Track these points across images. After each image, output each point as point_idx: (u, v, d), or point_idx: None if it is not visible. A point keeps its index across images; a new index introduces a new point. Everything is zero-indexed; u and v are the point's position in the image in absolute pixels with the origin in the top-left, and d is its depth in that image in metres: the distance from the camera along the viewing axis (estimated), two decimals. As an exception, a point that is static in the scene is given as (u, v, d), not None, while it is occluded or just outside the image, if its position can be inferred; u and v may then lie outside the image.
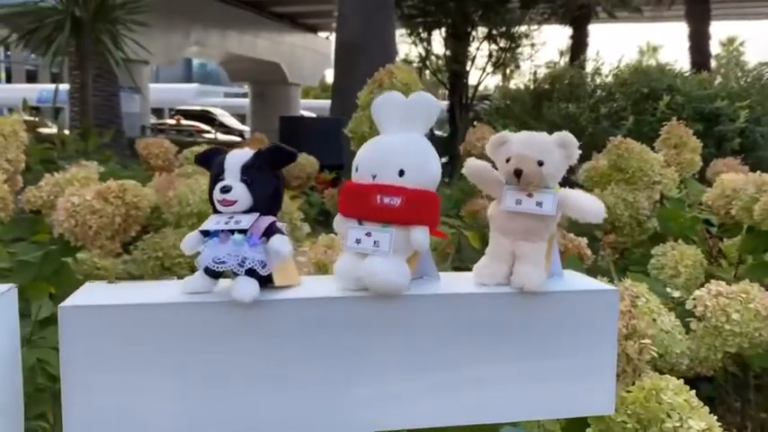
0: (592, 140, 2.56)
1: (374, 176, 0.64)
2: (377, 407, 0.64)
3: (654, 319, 1.33)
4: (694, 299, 1.47)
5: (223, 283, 0.64)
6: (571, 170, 2.47)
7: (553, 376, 0.67)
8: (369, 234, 0.62)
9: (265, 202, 0.63)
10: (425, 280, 0.69)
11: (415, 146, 0.65)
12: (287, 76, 14.72)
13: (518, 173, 0.66)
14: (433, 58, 10.08)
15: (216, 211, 0.63)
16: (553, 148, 0.68)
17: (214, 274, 0.63)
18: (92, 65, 5.63)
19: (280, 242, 0.61)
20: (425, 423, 0.67)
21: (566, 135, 0.68)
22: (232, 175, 0.62)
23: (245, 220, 0.61)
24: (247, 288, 0.60)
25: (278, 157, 0.64)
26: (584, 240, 1.88)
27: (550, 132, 0.71)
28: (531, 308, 0.66)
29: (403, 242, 0.63)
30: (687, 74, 3.95)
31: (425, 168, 0.65)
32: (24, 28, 5.33)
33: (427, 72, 10.98)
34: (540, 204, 0.66)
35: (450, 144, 7.34)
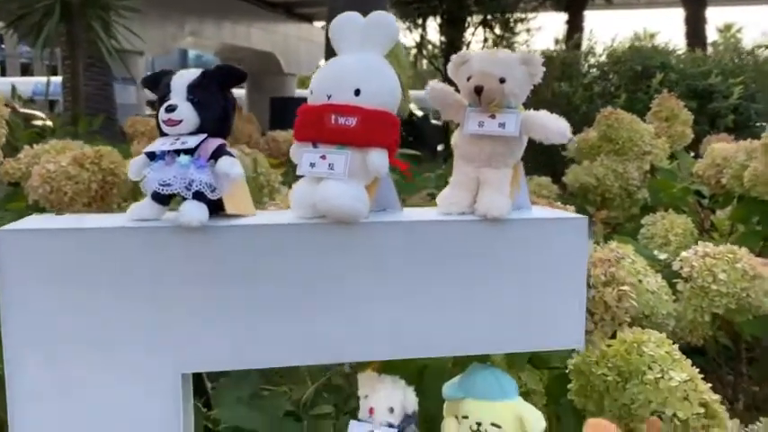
0: (585, 119, 2.53)
1: (329, 97, 0.61)
2: (334, 338, 0.62)
3: (640, 280, 1.30)
4: (681, 260, 1.44)
5: (171, 215, 0.61)
6: (562, 146, 2.44)
7: (521, 308, 0.64)
8: (323, 157, 0.59)
9: (213, 123, 0.60)
10: (388, 212, 0.67)
11: (372, 65, 0.62)
12: (282, 66, 14.63)
13: (479, 90, 0.63)
14: (428, 45, 10.03)
15: (162, 135, 0.61)
16: (516, 65, 0.64)
17: (162, 200, 0.60)
18: (83, 52, 5.57)
19: (228, 164, 0.59)
20: (388, 355, 0.64)
21: (529, 53, 0.64)
22: (178, 95, 0.60)
23: (192, 141, 0.58)
24: (195, 212, 0.57)
25: (226, 76, 0.61)
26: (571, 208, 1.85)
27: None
28: (497, 236, 0.63)
29: (360, 166, 0.60)
30: (680, 52, 3.92)
31: (383, 88, 0.62)
32: (13, 14, 5.28)
33: (424, 61, 10.93)
34: (502, 125, 0.63)
35: (446, 131, 7.31)
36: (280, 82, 14.76)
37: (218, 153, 0.59)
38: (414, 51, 9.85)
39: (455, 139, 0.67)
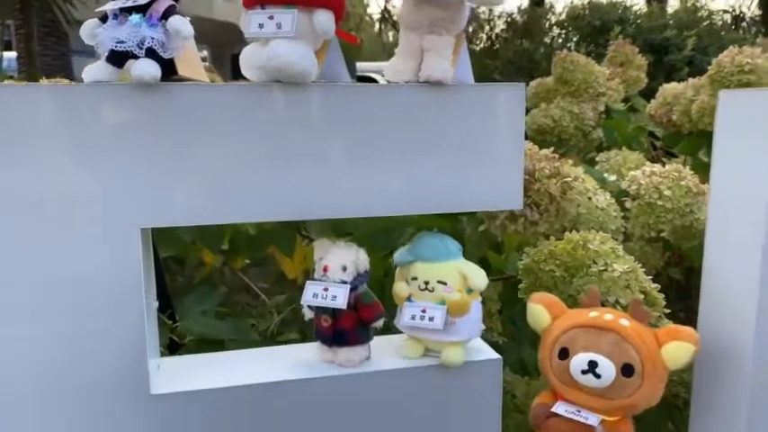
0: (546, 75, 2.58)
1: (276, -40, 0.63)
2: (285, 195, 0.65)
3: (589, 198, 1.36)
4: (629, 179, 1.51)
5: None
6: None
7: (464, 170, 0.68)
8: (271, 17, 0.62)
9: (163, -17, 0.62)
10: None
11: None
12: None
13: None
14: (393, 12, 9.98)
15: (112, -1, 0.62)
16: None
17: (116, 61, 0.62)
18: (36, 13, 5.43)
19: (180, 21, 0.61)
20: (338, 214, 0.68)
21: None
22: (128, -45, 0.61)
23: (143, -1, 0.60)
24: (148, 67, 0.60)
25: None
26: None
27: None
28: (440, 101, 0.67)
29: (307, 29, 0.63)
30: (638, 7, 4.01)
31: (328, -49, 0.64)
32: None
33: (390, 34, 10.86)
34: (439, -13, 0.65)
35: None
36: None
37: (168, 12, 0.61)
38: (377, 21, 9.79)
39: (400, 9, 0.70)
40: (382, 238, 1.01)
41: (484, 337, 1.21)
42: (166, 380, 0.69)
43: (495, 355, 0.76)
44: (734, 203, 0.83)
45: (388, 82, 0.69)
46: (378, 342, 0.76)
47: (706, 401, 0.90)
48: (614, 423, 0.75)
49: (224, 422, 0.67)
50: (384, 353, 0.75)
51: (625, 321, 0.77)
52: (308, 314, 0.74)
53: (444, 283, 0.72)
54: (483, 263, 1.33)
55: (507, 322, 1.26)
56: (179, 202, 0.63)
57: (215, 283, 1.59)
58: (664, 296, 1.09)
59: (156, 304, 0.73)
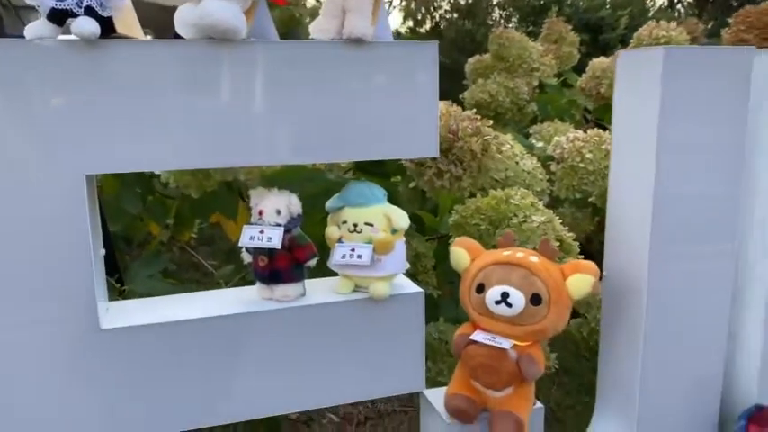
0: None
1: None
2: (219, 143, 0.70)
3: (517, 162, 1.45)
4: (554, 144, 1.61)
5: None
6: (464, 76, 2.52)
7: (383, 121, 0.75)
8: (202, -23, 0.67)
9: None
10: (267, 44, 0.75)
11: None
12: None
13: None
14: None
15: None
16: None
17: (57, 20, 0.66)
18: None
19: (116, -19, 0.66)
20: (269, 160, 0.74)
21: None
22: None
23: (81, -43, 0.65)
24: (87, 24, 0.64)
25: None
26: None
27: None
28: (360, 58, 0.73)
29: (235, -13, 0.68)
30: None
31: None
32: None
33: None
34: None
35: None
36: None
37: (106, -28, 0.66)
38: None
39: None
40: (322, 200, 1.07)
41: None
42: (115, 317, 0.75)
43: (417, 289, 0.83)
44: (629, 153, 0.93)
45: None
46: (313, 283, 0.83)
47: (611, 334, 1.01)
48: (526, 348, 0.84)
49: (170, 354, 0.73)
50: (318, 292, 0.82)
51: (534, 258, 0.86)
52: (247, 257, 0.80)
53: (371, 225, 0.79)
54: (417, 221, 1.41)
55: (444, 281, 1.34)
56: (121, 150, 0.68)
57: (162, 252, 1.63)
58: (595, 260, 1.19)
59: (103, 251, 0.78)
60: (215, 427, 0.80)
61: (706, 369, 0.98)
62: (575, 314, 1.63)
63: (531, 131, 2.10)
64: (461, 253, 0.90)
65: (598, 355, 1.06)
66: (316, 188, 1.14)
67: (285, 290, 0.77)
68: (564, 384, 2.05)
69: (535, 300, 0.83)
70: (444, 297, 1.38)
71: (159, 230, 1.75)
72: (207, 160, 0.72)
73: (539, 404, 0.89)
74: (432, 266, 1.37)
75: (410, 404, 1.86)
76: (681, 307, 0.94)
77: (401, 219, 0.79)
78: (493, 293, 0.84)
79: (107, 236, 1.61)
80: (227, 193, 1.21)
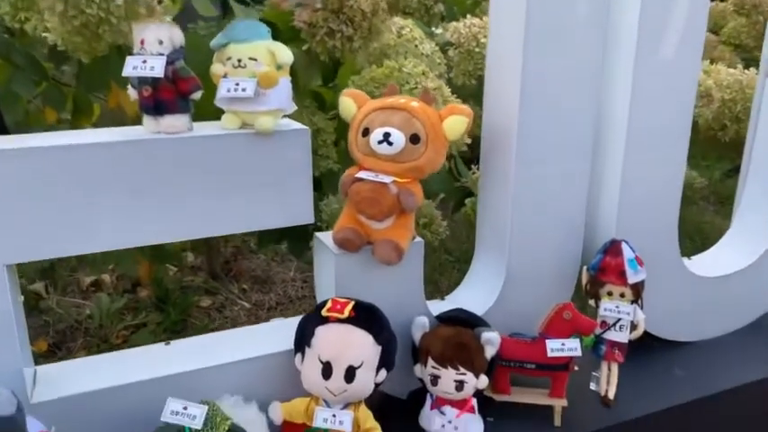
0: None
1: None
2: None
3: (416, 45, 1.49)
4: (451, 30, 1.66)
5: None
6: None
7: None
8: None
9: None
10: None
11: None
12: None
13: None
14: None
15: None
16: None
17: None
18: None
19: None
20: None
21: None
22: None
23: None
24: None
25: None
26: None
27: None
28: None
29: None
30: None
31: None
32: None
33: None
34: None
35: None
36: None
37: None
38: None
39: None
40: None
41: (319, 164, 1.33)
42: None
43: (303, 127, 0.88)
44: (505, 24, 1.00)
45: None
46: (201, 124, 0.86)
47: (487, 181, 1.09)
48: (406, 184, 0.90)
49: (62, 178, 0.75)
50: (206, 128, 0.84)
51: (415, 103, 0.92)
52: (133, 93, 0.81)
53: (255, 60, 0.82)
54: (318, 99, 1.45)
55: (344, 156, 1.39)
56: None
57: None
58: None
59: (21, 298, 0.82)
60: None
61: (570, 212, 1.09)
62: (470, 193, 1.73)
63: (437, 31, 2.14)
64: (348, 102, 0.95)
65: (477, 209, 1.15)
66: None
67: (171, 121, 0.80)
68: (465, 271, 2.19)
69: (414, 139, 0.90)
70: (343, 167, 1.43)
71: (56, 117, 1.71)
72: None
73: (419, 239, 0.97)
74: (332, 142, 1.42)
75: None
76: (547, 153, 1.03)
77: (285, 54, 0.83)
78: (376, 134, 0.89)
79: (4, 129, 1.56)
80: (120, 60, 1.20)
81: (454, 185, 1.78)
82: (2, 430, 0.65)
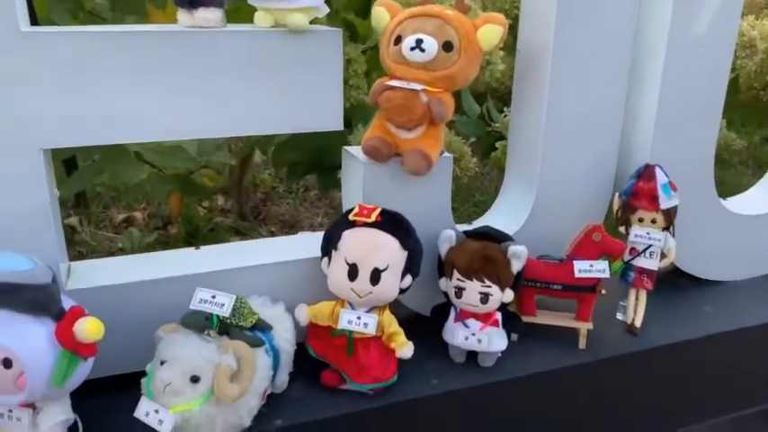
0: None
1: None
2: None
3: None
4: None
5: None
6: None
7: None
8: None
9: None
10: None
11: None
12: None
13: None
14: None
15: None
16: None
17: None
18: None
19: None
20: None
21: None
22: None
23: None
24: None
25: None
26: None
27: None
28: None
29: None
30: None
31: None
32: None
33: None
34: None
35: None
36: None
37: None
38: None
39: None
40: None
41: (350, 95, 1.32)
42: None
43: (335, 29, 0.87)
44: None
45: None
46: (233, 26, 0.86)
47: (520, 104, 1.08)
48: (437, 93, 0.90)
49: (99, 62, 0.76)
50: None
51: (449, 11, 0.91)
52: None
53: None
54: (350, 29, 1.44)
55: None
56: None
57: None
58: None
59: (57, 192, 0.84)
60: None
61: (604, 135, 1.07)
62: (501, 136, 1.71)
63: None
64: (382, 11, 0.94)
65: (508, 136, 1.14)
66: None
67: (205, 14, 0.80)
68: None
69: (447, 46, 0.89)
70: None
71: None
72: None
73: (448, 154, 0.97)
74: (363, 72, 1.41)
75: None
76: (583, 75, 1.01)
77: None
78: (408, 41, 0.88)
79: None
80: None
81: (486, 130, 1.76)
82: (38, 297, 0.67)
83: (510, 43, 1.12)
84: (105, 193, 2.12)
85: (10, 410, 0.73)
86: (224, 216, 2.12)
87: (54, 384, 0.68)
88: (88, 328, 0.67)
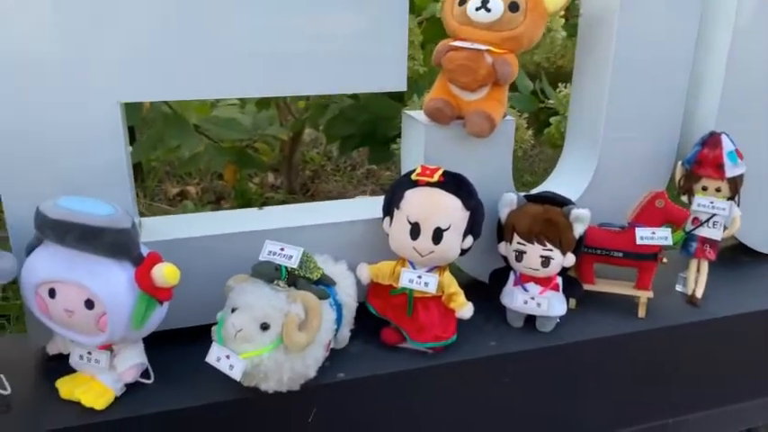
0: None
1: None
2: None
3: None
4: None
5: None
6: None
7: None
8: None
9: None
10: None
11: None
12: None
13: None
14: None
15: None
16: None
17: None
18: None
19: None
20: None
21: None
22: None
23: None
24: None
25: None
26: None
27: None
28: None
29: None
30: None
31: None
32: None
33: None
34: None
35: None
36: None
37: None
38: None
39: None
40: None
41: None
42: None
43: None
44: None
45: None
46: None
47: (583, 68, 1.07)
48: (502, 55, 0.89)
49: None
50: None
51: (515, -28, 0.90)
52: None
53: None
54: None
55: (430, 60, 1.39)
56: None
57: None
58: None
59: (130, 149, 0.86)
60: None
61: (668, 102, 1.05)
62: (554, 112, 1.69)
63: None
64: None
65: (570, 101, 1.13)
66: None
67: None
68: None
69: (513, 7, 0.88)
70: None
71: None
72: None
73: (510, 117, 0.97)
74: (419, 44, 1.41)
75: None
76: (649, 39, 1.00)
77: None
78: (474, 1, 0.88)
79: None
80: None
81: (539, 106, 1.74)
82: (119, 241, 0.69)
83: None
84: (160, 167, 2.17)
85: (89, 353, 0.77)
86: (274, 192, 2.16)
87: (133, 326, 0.71)
88: (166, 273, 0.70)
